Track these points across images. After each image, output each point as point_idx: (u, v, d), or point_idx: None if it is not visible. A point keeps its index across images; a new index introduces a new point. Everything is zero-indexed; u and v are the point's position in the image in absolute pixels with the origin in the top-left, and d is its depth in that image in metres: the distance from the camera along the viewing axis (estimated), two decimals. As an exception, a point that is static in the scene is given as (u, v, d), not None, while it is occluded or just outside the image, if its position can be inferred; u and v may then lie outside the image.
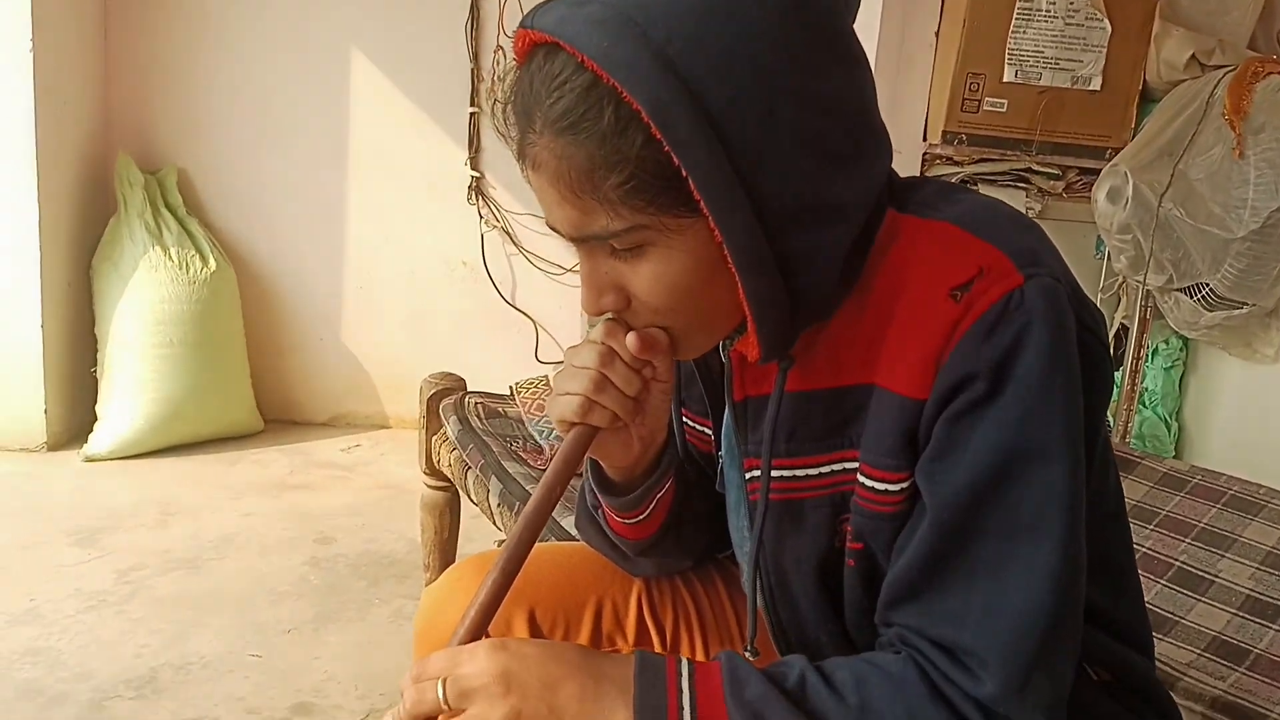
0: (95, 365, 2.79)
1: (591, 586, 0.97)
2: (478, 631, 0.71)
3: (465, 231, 3.13)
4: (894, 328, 0.70)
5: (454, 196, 3.11)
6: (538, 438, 1.76)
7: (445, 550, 1.93)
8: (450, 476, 1.82)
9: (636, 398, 0.76)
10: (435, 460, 1.87)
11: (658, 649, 0.97)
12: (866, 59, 0.71)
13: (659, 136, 0.63)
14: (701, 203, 0.64)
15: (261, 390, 3.05)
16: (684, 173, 0.63)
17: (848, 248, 0.70)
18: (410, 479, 2.44)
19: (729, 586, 1.01)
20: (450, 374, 1.97)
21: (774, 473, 0.78)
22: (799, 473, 0.77)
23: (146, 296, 2.71)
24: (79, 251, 2.81)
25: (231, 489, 2.58)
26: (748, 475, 0.81)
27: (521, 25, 0.68)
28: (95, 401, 2.76)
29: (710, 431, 0.90)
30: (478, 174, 3.10)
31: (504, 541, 0.75)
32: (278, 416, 3.11)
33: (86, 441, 2.70)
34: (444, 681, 0.67)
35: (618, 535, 0.91)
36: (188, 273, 2.77)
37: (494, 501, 1.59)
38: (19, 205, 2.62)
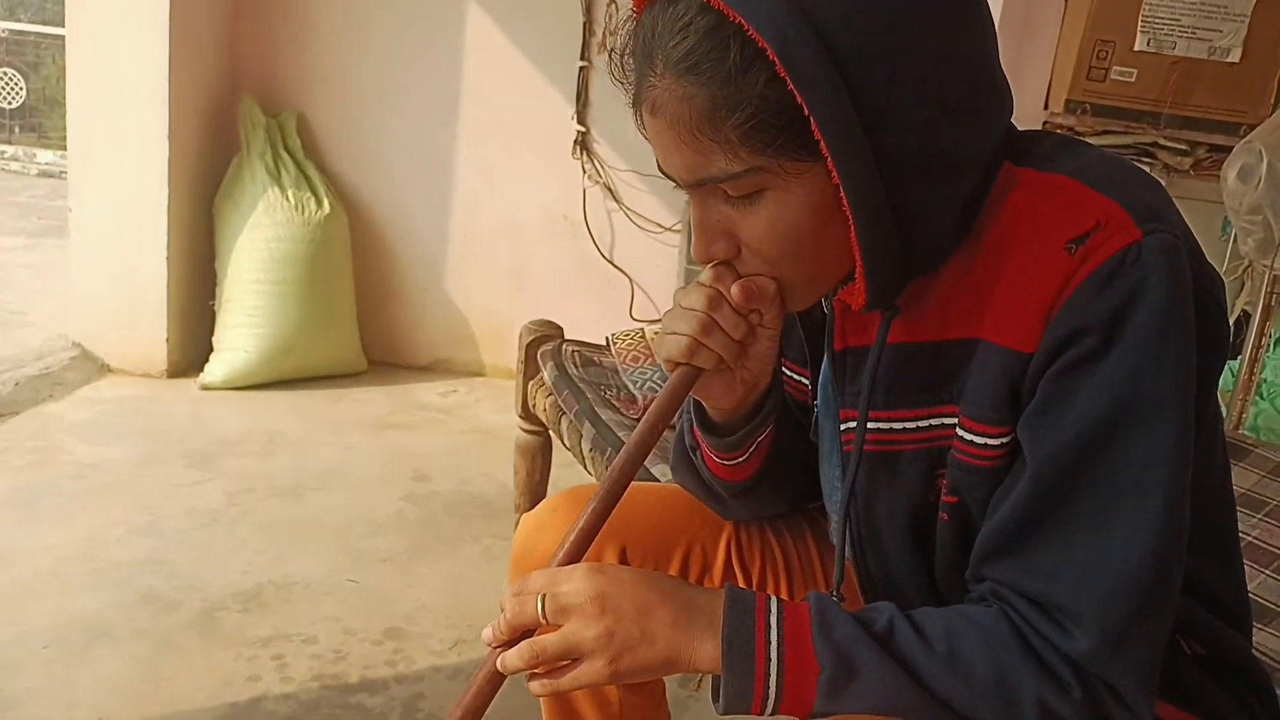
0: (214, 299, 2.93)
1: (682, 529, 0.99)
2: (577, 555, 0.74)
3: (568, 186, 3.16)
4: (1004, 280, 0.69)
5: (559, 151, 3.14)
6: (631, 388, 1.78)
7: (536, 493, 1.97)
8: (544, 421, 1.86)
9: (742, 342, 0.77)
10: (531, 405, 1.92)
11: None
12: (990, 13, 0.70)
13: (783, 75, 0.62)
14: (822, 144, 0.64)
15: (367, 332, 3.16)
16: (806, 112, 0.63)
17: (963, 201, 0.69)
18: (504, 425, 2.50)
19: (817, 538, 1.02)
20: (549, 321, 2.01)
21: (870, 425, 0.78)
22: (896, 425, 0.77)
23: (263, 235, 2.82)
24: (203, 189, 2.94)
25: (335, 424, 2.68)
26: (843, 426, 0.81)
27: None
28: (212, 333, 2.90)
29: (807, 381, 0.90)
30: (583, 129, 3.12)
31: (605, 474, 0.77)
32: (381, 359, 3.22)
33: (203, 371, 2.84)
34: (543, 597, 0.70)
35: (715, 477, 0.92)
36: (303, 214, 2.87)
37: (586, 447, 1.62)
38: (150, 143, 2.75)
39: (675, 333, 0.76)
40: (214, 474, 2.29)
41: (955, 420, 0.73)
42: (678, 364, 0.77)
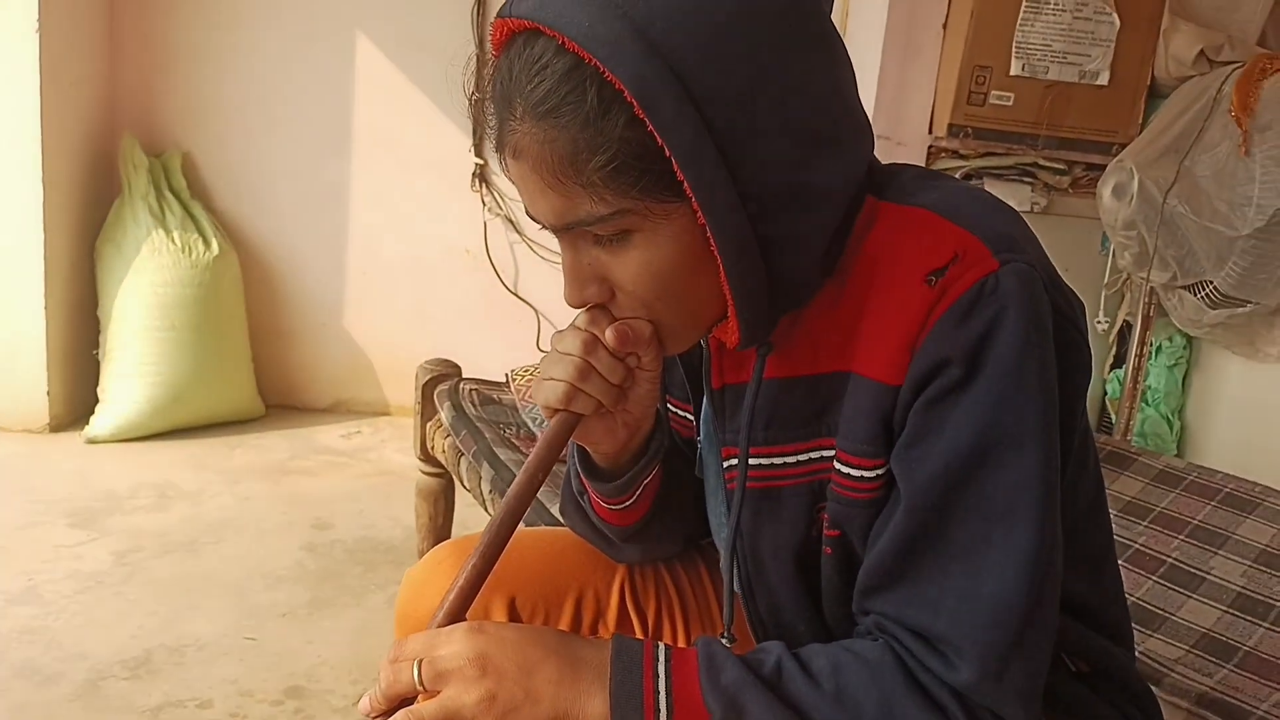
0: (98, 347, 2.80)
1: (574, 574, 0.97)
2: (456, 615, 0.71)
3: (469, 219, 3.13)
4: (870, 313, 0.69)
5: (458, 183, 3.11)
6: (531, 425, 1.76)
7: (440, 536, 1.93)
8: (444, 463, 1.82)
9: (620, 386, 0.76)
10: (430, 446, 1.88)
11: (639, 637, 0.97)
12: (844, 45, 0.70)
13: (642, 117, 0.62)
14: (685, 184, 0.64)
15: (263, 375, 3.06)
16: (668, 153, 0.63)
17: (828, 233, 0.70)
18: (409, 465, 2.43)
19: (712, 574, 1.01)
20: (446, 360, 1.98)
21: (751, 460, 0.77)
22: (776, 460, 0.77)
23: (149, 279, 2.71)
24: (83, 233, 2.82)
25: (231, 473, 2.59)
26: (726, 464, 0.81)
27: (499, 15, 0.67)
28: (97, 383, 2.77)
29: (692, 417, 0.90)
30: (481, 161, 3.10)
31: (486, 526, 0.75)
32: (279, 402, 3.12)
33: (88, 423, 2.71)
34: (420, 662, 0.67)
35: (603, 521, 0.90)
36: (190, 256, 2.77)
37: (486, 488, 1.59)
38: (23, 186, 2.62)
39: (552, 378, 0.75)
40: (100, 533, 2.18)
41: (833, 453, 0.73)
42: (555, 410, 0.75)
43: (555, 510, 1.40)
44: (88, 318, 2.84)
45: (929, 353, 0.66)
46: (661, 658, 0.68)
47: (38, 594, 1.91)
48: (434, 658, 0.67)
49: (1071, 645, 0.76)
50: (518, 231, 3.14)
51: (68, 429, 2.76)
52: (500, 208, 3.13)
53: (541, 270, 3.15)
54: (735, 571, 0.82)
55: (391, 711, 0.68)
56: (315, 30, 2.99)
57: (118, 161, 2.85)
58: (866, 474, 0.70)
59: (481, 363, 2.07)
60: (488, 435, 1.70)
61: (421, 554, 1.94)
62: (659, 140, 0.62)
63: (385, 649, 0.71)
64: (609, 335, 0.72)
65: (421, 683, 0.67)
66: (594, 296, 0.72)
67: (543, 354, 2.95)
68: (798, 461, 0.76)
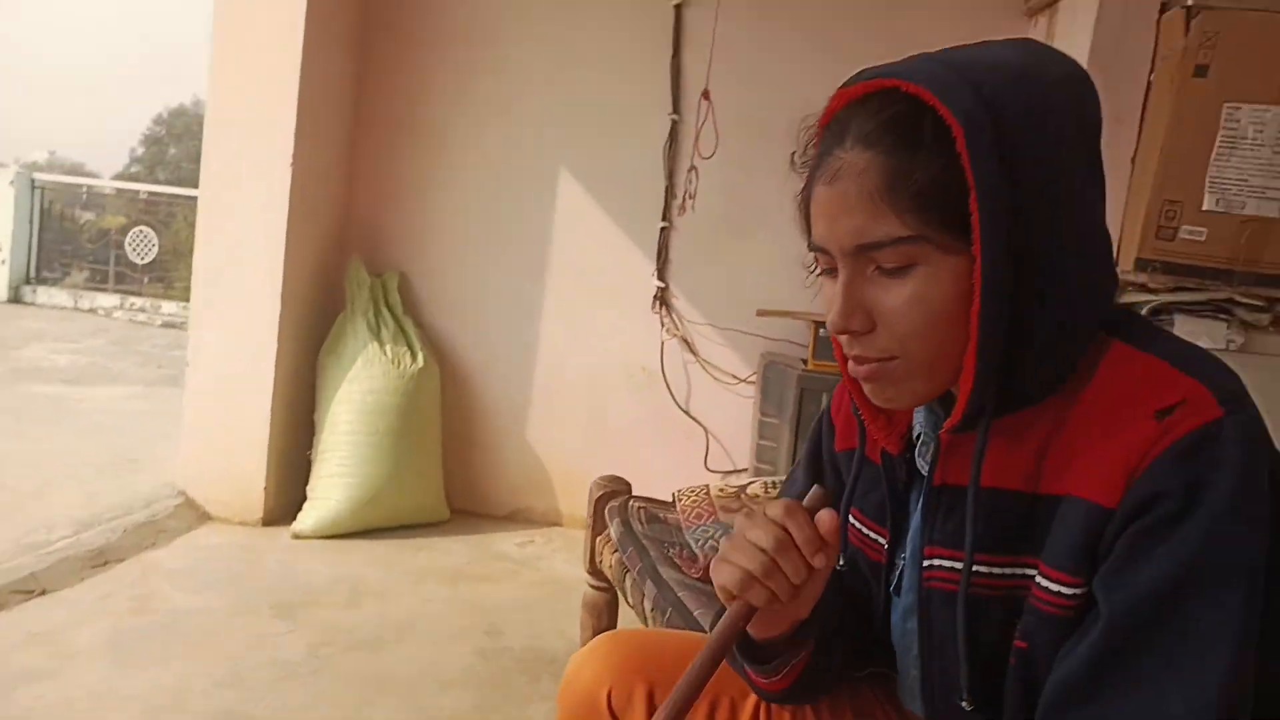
0: (311, 449, 3.08)
1: (714, 680, 1.00)
2: None
3: (647, 338, 3.27)
4: (1094, 440, 0.72)
5: (639, 305, 3.27)
6: (693, 546, 1.80)
7: (603, 652, 1.97)
8: (610, 577, 1.89)
9: (800, 585, 0.79)
10: (598, 560, 1.95)
11: None
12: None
13: (963, 151, 0.70)
14: (975, 220, 0.70)
15: (451, 481, 3.27)
16: (972, 189, 0.70)
17: (1073, 335, 0.74)
18: (576, 577, 2.51)
19: (845, 691, 1.01)
20: (618, 477, 2.06)
21: (955, 565, 0.80)
22: (982, 569, 0.79)
23: (360, 388, 2.98)
24: (310, 344, 3.15)
25: (415, 574, 2.75)
26: (926, 563, 0.83)
27: (845, 84, 0.78)
28: (307, 482, 3.03)
29: (883, 540, 0.91)
30: (663, 284, 3.24)
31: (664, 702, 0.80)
32: (463, 508, 3.31)
33: (295, 519, 2.96)
34: None
35: (753, 683, 0.95)
36: (399, 367, 3.03)
37: (648, 605, 1.64)
38: (264, 300, 2.98)
39: (736, 564, 0.79)
40: (298, 624, 2.37)
41: (1036, 570, 0.75)
42: (733, 596, 0.79)
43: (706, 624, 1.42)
44: (305, 421, 3.13)
45: (1147, 484, 0.68)
46: None
47: (241, 679, 2.08)
48: None
49: None
50: (692, 352, 3.25)
51: (278, 523, 3.02)
52: (678, 328, 3.25)
53: (713, 390, 3.24)
54: (921, 670, 0.84)
55: None
56: (524, 165, 3.28)
57: (344, 280, 3.18)
58: (1065, 590, 0.72)
59: (651, 479, 2.15)
60: (652, 553, 1.75)
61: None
62: (970, 174, 0.70)
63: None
64: (824, 518, 0.78)
65: None
66: (857, 325, 0.77)
67: (710, 472, 2.99)
68: (1003, 574, 0.78)
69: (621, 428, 3.31)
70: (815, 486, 0.82)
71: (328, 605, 2.49)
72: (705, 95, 3.16)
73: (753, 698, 1.01)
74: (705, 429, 3.25)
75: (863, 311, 0.76)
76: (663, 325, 3.27)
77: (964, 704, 0.82)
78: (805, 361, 2.82)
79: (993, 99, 0.70)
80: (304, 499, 3.01)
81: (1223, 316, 2.28)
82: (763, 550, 0.77)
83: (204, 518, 3.03)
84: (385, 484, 2.99)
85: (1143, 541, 0.68)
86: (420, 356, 3.10)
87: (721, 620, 0.80)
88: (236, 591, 2.53)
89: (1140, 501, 0.68)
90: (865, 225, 0.74)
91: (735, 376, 3.22)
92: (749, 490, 2.19)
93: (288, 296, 3.00)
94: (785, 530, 0.78)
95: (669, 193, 3.24)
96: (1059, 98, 0.73)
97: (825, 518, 0.78)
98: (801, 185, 0.80)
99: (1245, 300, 2.26)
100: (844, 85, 0.78)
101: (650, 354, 3.28)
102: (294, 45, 2.90)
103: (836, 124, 0.77)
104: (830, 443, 1.00)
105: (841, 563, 0.95)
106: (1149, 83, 2.42)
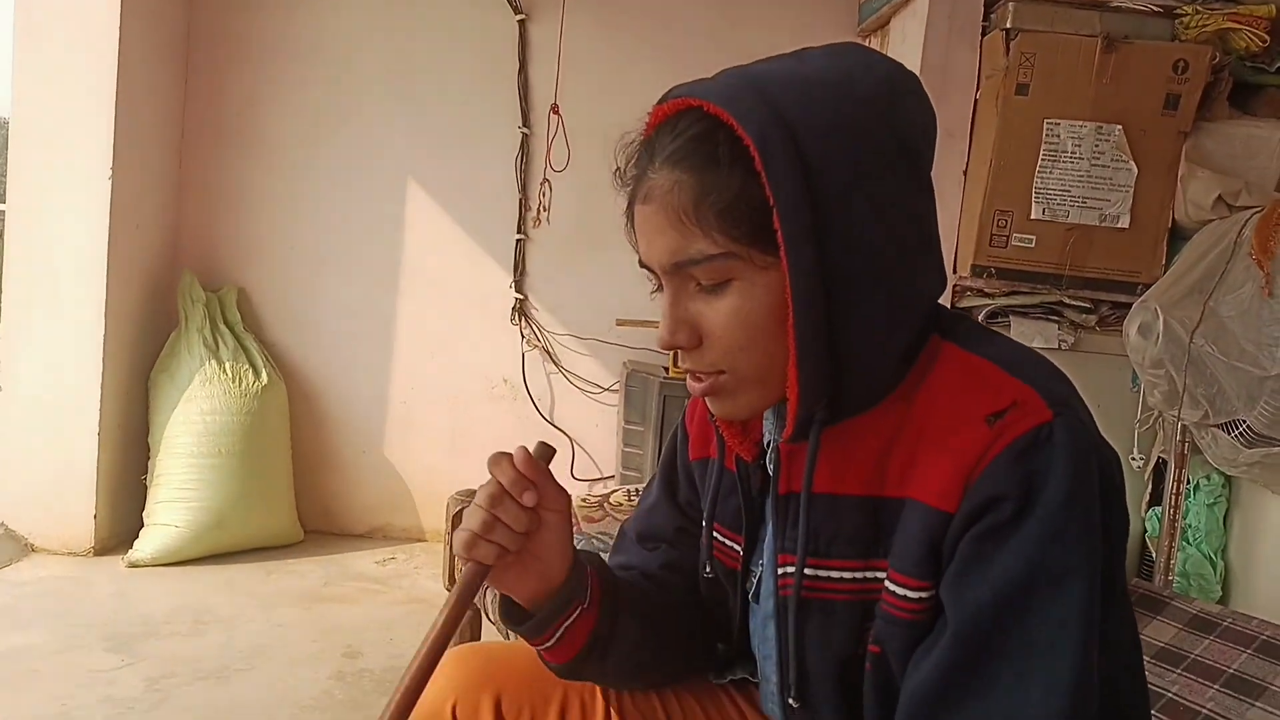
0: (146, 473, 2.88)
1: (560, 680, 0.98)
2: None
3: (508, 351, 3.23)
4: (931, 444, 0.74)
5: (497, 318, 3.23)
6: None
7: (466, 669, 1.92)
8: (474, 594, 1.84)
9: (526, 534, 0.81)
10: (457, 575, 1.89)
11: None
12: (933, 189, 0.79)
13: (760, 170, 0.70)
14: (780, 234, 0.71)
15: (303, 501, 3.13)
16: (773, 204, 0.71)
17: (897, 338, 0.76)
18: (440, 593, 2.45)
19: (701, 697, 1.01)
20: (475, 490, 2.01)
21: (808, 570, 0.80)
22: (834, 574, 0.80)
23: (199, 407, 2.82)
24: (139, 363, 2.95)
25: (266, 599, 2.62)
26: (780, 570, 0.84)
27: (659, 103, 0.79)
28: (143, 508, 2.84)
29: (739, 548, 0.92)
30: (521, 296, 3.21)
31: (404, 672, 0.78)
32: (318, 527, 3.17)
33: (132, 547, 2.77)
34: None
35: (541, 656, 0.93)
36: (240, 385, 2.88)
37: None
38: (86, 319, 2.78)
39: (464, 528, 0.80)
40: (135, 658, 2.21)
41: (885, 574, 0.76)
42: (465, 559, 0.80)
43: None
44: (138, 445, 2.94)
45: (983, 489, 0.70)
46: None
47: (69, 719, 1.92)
48: None
49: None
50: (554, 362, 3.23)
51: (111, 553, 2.82)
52: (539, 339, 3.23)
53: (576, 399, 3.23)
54: (788, 676, 0.84)
55: None
56: (369, 176, 3.18)
57: (176, 296, 3.00)
58: (912, 595, 0.74)
59: (514, 493, 2.11)
60: (515, 567, 1.72)
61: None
62: (769, 192, 0.70)
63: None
64: (516, 453, 0.80)
65: None
66: (683, 341, 0.78)
67: (578, 481, 2.98)
68: (854, 579, 0.79)
69: (484, 440, 3.25)
70: (539, 442, 0.85)
71: (168, 636, 2.34)
72: (554, 109, 3.15)
73: (602, 700, 0.99)
74: (570, 438, 3.23)
75: (688, 327, 0.78)
76: (523, 337, 3.23)
77: (791, 701, 0.84)
78: (666, 370, 2.85)
79: (792, 115, 0.72)
80: (140, 526, 2.82)
81: (1054, 318, 2.44)
82: (479, 506, 0.80)
83: (27, 549, 2.79)
84: (231, 507, 2.83)
85: (982, 546, 0.70)
86: (264, 374, 2.96)
87: (457, 582, 0.80)
88: (64, 626, 2.34)
89: (977, 506, 0.70)
90: (678, 244, 0.75)
91: (599, 385, 3.22)
92: (612, 499, 2.19)
93: (113, 314, 2.80)
94: (499, 484, 0.80)
95: (523, 205, 3.21)
96: (869, 109, 0.73)
97: (519, 453, 0.81)
98: (626, 203, 0.81)
99: (1073, 302, 2.43)
100: (658, 103, 0.79)
101: (511, 366, 3.24)
102: (109, 52, 2.71)
103: (648, 144, 0.78)
104: (684, 452, 1.00)
105: (708, 571, 0.94)
106: (976, 100, 2.56)
